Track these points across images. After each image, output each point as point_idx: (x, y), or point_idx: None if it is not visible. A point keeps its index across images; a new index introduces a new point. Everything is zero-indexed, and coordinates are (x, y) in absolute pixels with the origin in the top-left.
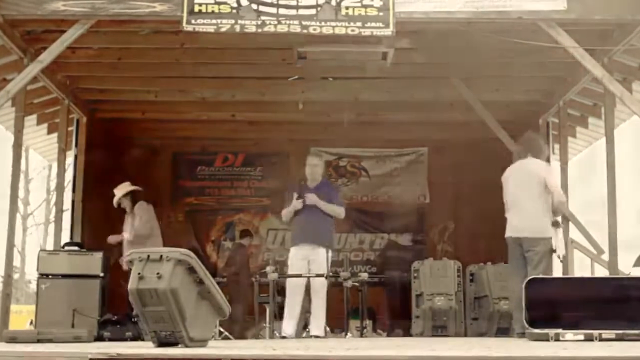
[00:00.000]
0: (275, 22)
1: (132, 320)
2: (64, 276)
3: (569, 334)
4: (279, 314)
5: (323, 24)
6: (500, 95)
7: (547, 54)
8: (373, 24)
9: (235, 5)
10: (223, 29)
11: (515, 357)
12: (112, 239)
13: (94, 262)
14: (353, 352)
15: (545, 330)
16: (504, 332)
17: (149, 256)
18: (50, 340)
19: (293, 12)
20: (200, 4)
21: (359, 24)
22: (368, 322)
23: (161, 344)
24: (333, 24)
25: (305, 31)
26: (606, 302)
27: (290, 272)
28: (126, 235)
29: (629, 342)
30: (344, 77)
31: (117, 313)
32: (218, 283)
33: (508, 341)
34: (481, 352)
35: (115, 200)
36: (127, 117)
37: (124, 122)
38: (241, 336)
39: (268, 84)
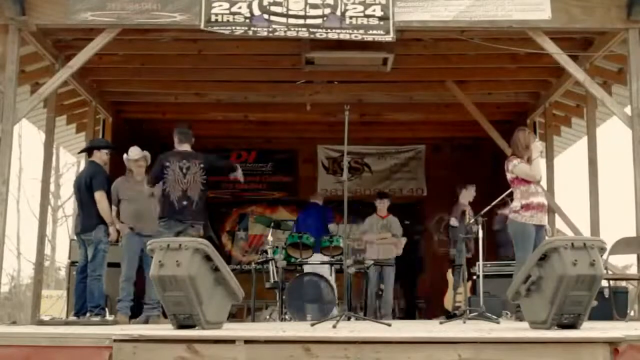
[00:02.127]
0: (285, 29)
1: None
2: None
3: None
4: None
5: (329, 30)
6: (492, 97)
7: (534, 60)
8: (375, 31)
9: (248, 15)
10: (237, 33)
11: (507, 338)
12: None
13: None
14: (356, 334)
15: None
16: None
17: (169, 245)
18: (77, 323)
19: (301, 21)
20: (216, 14)
21: (361, 31)
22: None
23: (180, 326)
24: (338, 30)
25: (312, 36)
26: None
27: None
28: None
29: None
30: (348, 81)
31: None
32: (232, 270)
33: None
34: (475, 333)
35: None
36: (149, 117)
37: (146, 122)
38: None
39: (278, 87)
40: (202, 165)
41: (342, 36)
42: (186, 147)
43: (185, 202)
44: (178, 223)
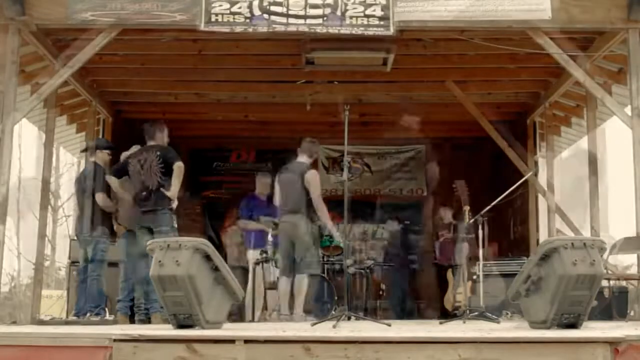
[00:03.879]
0: (285, 27)
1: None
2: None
3: None
4: None
5: (329, 28)
6: (492, 97)
7: (534, 60)
8: (375, 28)
9: (248, 15)
10: (237, 30)
11: (507, 338)
12: None
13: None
14: (356, 333)
15: None
16: None
17: (168, 245)
18: (77, 323)
19: (301, 21)
20: (216, 14)
21: (362, 29)
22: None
23: (179, 325)
24: (338, 28)
25: (312, 30)
26: None
27: None
28: None
29: None
30: (348, 81)
31: None
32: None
33: None
34: (475, 333)
35: None
36: (149, 117)
37: (146, 122)
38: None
39: (278, 87)
40: (158, 153)
41: (342, 31)
42: (152, 143)
43: (144, 193)
44: (142, 215)
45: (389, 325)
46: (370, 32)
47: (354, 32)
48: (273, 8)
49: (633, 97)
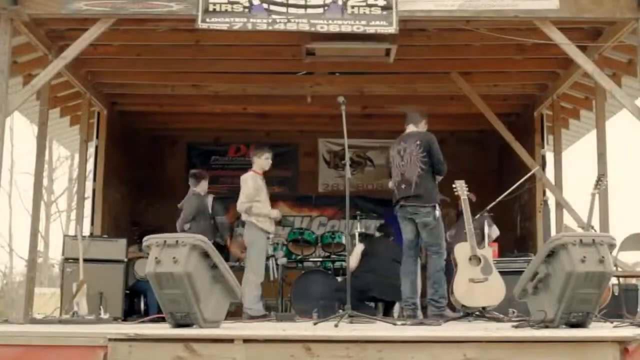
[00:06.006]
0: (285, 21)
1: None
2: (87, 260)
3: None
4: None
5: (330, 22)
6: (498, 89)
7: (541, 51)
8: (377, 22)
9: (247, 4)
10: (235, 27)
11: (513, 337)
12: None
13: (118, 247)
14: (359, 332)
15: None
16: None
17: (165, 241)
18: (71, 322)
19: (302, 11)
20: (214, 3)
21: (363, 22)
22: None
23: (177, 324)
24: (339, 22)
25: (313, 29)
26: None
27: None
28: None
29: None
30: (350, 72)
31: None
32: (231, 267)
33: None
34: (480, 332)
35: None
36: (145, 110)
37: (141, 115)
38: None
39: (278, 79)
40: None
41: (343, 28)
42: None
43: (403, 185)
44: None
45: (394, 324)
46: (372, 29)
47: (355, 29)
48: None
49: None
